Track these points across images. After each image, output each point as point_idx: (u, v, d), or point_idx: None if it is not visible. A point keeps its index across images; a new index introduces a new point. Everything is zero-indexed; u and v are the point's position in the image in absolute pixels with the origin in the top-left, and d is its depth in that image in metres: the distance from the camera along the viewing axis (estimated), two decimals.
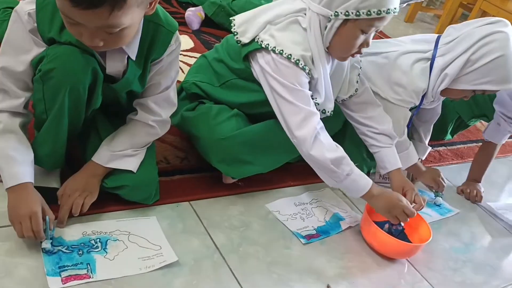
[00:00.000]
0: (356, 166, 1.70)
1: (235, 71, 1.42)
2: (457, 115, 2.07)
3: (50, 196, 1.20)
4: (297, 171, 1.62)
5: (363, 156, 1.71)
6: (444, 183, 1.75)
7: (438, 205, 1.76)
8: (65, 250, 1.11)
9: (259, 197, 1.50)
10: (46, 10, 1.06)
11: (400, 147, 1.63)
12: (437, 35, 1.62)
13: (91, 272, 1.08)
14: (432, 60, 1.55)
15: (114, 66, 1.15)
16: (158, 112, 1.27)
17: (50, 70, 1.06)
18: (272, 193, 1.53)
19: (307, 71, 1.31)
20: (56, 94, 1.08)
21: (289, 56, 1.28)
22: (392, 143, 1.57)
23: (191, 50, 2.30)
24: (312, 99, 1.35)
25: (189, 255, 1.22)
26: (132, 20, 0.99)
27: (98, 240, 1.16)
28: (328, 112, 1.43)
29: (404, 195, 1.47)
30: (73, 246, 1.13)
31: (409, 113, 1.64)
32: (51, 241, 1.11)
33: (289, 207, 1.50)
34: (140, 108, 1.27)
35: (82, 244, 1.14)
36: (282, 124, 1.35)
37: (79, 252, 1.12)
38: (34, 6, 1.06)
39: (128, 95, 1.26)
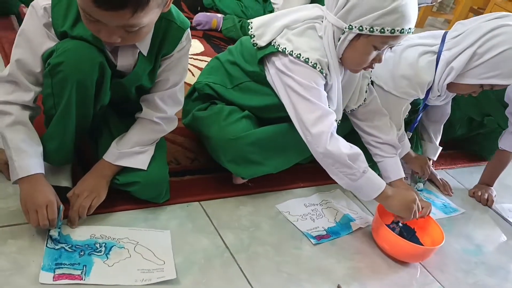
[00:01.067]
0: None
1: (249, 74, 1.43)
2: (466, 115, 2.03)
3: (60, 195, 1.22)
4: (307, 172, 1.62)
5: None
6: (429, 171, 1.79)
7: (420, 190, 1.79)
8: (68, 249, 1.11)
9: (269, 197, 1.50)
10: (61, 5, 1.09)
11: (399, 140, 1.64)
12: (444, 31, 1.61)
13: (84, 274, 1.06)
14: (439, 54, 1.54)
15: (125, 61, 1.17)
16: (163, 108, 1.28)
17: (58, 64, 1.08)
18: (282, 194, 1.53)
19: (324, 74, 1.31)
20: (63, 88, 1.10)
21: (307, 60, 1.28)
22: (396, 153, 1.56)
23: (201, 54, 2.32)
24: None
25: (199, 254, 1.22)
26: (151, 19, 1.02)
27: (103, 244, 1.15)
28: (337, 121, 1.44)
29: None
30: (77, 246, 1.13)
31: (408, 109, 1.65)
32: (59, 230, 1.11)
33: (299, 208, 1.49)
34: (145, 104, 1.28)
35: (87, 246, 1.14)
36: (295, 123, 1.34)
37: (81, 253, 1.11)
38: (50, 1, 1.09)
39: (138, 91, 1.27)
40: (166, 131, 1.33)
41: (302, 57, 1.29)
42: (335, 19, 1.27)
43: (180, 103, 1.34)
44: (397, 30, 1.23)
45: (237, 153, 1.37)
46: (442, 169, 1.98)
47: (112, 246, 1.16)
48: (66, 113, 1.13)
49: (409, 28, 1.25)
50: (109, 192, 1.23)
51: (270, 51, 1.34)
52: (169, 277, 1.12)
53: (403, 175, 1.56)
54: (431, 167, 1.85)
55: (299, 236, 1.39)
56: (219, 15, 2.62)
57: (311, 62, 1.29)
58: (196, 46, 2.37)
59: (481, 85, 1.52)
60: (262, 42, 1.35)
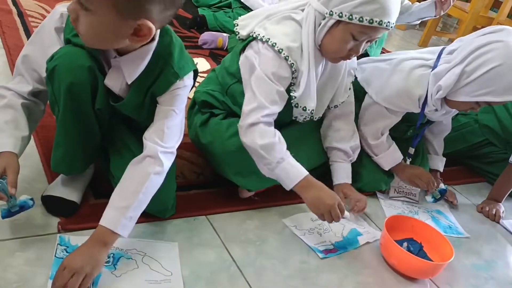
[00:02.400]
0: (374, 183, 1.70)
1: (233, 73, 1.44)
2: (482, 137, 2.01)
3: (69, 209, 1.23)
4: None
5: (381, 173, 1.72)
6: (423, 183, 1.68)
7: (434, 201, 1.75)
8: None
9: (275, 212, 1.50)
10: None
11: (378, 149, 1.67)
12: (442, 46, 1.62)
13: (92, 284, 1.06)
14: (434, 68, 1.55)
15: (112, 83, 1.16)
16: (163, 144, 1.17)
17: (53, 68, 1.10)
18: (289, 209, 1.53)
19: (289, 62, 1.32)
20: (59, 92, 1.11)
21: (274, 44, 1.31)
22: (347, 160, 1.58)
23: (207, 71, 2.33)
24: (290, 91, 1.37)
25: (206, 267, 1.22)
26: (101, 13, 0.95)
27: (111, 255, 1.15)
28: (309, 110, 1.41)
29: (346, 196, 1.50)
30: None
31: (395, 122, 1.66)
32: (10, 203, 1.07)
33: (306, 222, 1.49)
34: (146, 143, 1.18)
35: None
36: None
37: None
38: None
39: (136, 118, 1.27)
40: (165, 172, 1.18)
41: (271, 42, 1.31)
42: (318, 4, 1.30)
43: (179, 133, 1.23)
44: (375, 21, 1.25)
45: (241, 165, 1.38)
46: (449, 184, 1.97)
47: (120, 257, 1.16)
48: (65, 117, 1.14)
49: (388, 22, 1.26)
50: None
51: (248, 41, 1.38)
52: None
53: (348, 182, 1.57)
54: (438, 178, 1.84)
55: (306, 250, 1.38)
56: (225, 34, 2.65)
57: (277, 47, 1.31)
58: (202, 64, 2.39)
59: (477, 102, 1.51)
60: (244, 32, 1.39)
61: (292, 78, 1.36)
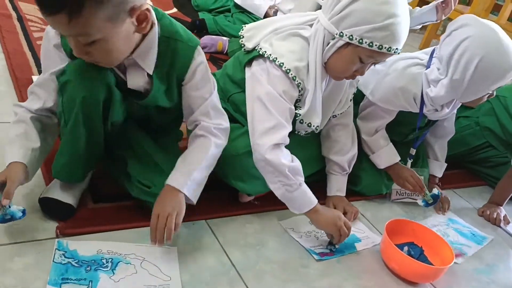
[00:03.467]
0: (374, 186, 1.70)
1: (238, 83, 1.43)
2: (483, 140, 2.02)
3: (66, 212, 1.23)
4: (313, 191, 1.59)
5: (381, 176, 1.72)
6: (408, 186, 1.68)
7: (427, 205, 1.70)
8: (74, 264, 1.11)
9: (275, 216, 1.49)
10: None
11: (373, 146, 1.67)
12: (434, 47, 1.63)
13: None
14: (427, 68, 1.56)
15: (134, 81, 1.19)
16: (214, 121, 1.28)
17: (66, 82, 1.12)
18: (288, 213, 1.50)
19: (297, 82, 1.32)
20: (71, 105, 1.13)
21: (281, 64, 1.30)
22: (342, 173, 1.59)
23: None
24: (296, 108, 1.37)
25: (205, 271, 1.21)
26: (103, 33, 1.00)
27: (110, 260, 1.15)
28: (314, 126, 1.42)
29: (344, 214, 1.48)
30: (83, 261, 1.12)
31: (389, 120, 1.67)
32: (4, 212, 1.09)
33: (304, 225, 1.48)
34: (198, 124, 1.28)
35: (93, 261, 1.13)
36: (249, 128, 1.34)
37: (87, 268, 1.11)
38: None
39: (159, 111, 1.28)
40: (224, 144, 1.31)
41: (278, 61, 1.30)
42: (328, 24, 1.29)
43: (223, 112, 1.33)
44: (385, 47, 1.24)
45: (241, 170, 1.38)
46: (450, 188, 1.97)
47: (119, 262, 1.15)
48: (74, 130, 1.16)
49: (396, 48, 1.26)
50: (115, 208, 1.22)
51: (254, 55, 1.37)
52: None
53: (340, 194, 1.59)
54: (435, 184, 1.83)
55: (306, 254, 1.37)
56: (225, 38, 2.65)
57: (285, 67, 1.30)
58: None
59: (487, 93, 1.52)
60: (250, 44, 1.38)
61: (298, 95, 1.36)
